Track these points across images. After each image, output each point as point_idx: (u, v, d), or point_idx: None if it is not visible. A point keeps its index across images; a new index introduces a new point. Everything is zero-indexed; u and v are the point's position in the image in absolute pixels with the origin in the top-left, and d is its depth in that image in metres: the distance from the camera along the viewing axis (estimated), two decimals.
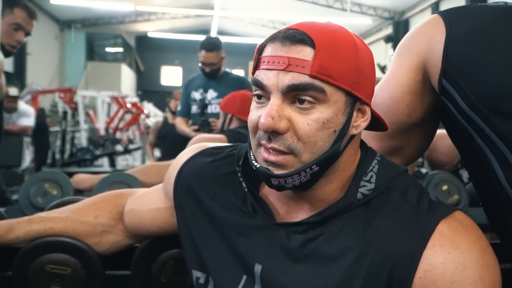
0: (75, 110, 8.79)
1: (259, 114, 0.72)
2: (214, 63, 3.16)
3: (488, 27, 0.83)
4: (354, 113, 0.74)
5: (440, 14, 0.90)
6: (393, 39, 13.53)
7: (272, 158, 0.71)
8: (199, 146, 0.96)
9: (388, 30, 15.36)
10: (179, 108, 3.43)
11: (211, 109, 3.20)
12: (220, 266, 0.82)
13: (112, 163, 7.09)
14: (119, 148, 7.99)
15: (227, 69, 3.41)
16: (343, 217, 0.75)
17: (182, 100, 3.39)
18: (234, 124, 2.33)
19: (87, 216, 1.01)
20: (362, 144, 0.82)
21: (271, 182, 0.72)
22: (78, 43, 17.85)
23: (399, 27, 14.22)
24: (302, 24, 0.73)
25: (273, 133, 0.70)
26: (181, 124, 3.33)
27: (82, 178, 1.84)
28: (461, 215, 0.74)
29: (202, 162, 0.91)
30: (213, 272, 0.82)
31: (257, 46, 0.75)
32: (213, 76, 3.22)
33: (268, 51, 0.73)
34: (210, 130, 2.93)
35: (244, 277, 0.79)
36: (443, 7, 12.20)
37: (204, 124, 2.97)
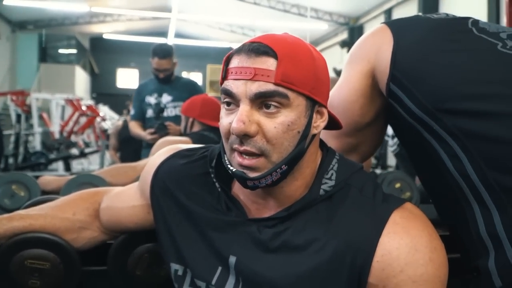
0: (28, 113, 8.58)
1: (229, 120, 0.80)
2: (167, 69, 3.29)
3: (431, 40, 0.95)
4: (314, 115, 0.83)
5: (388, 25, 1.02)
6: (348, 44, 13.88)
7: (246, 162, 0.79)
8: (173, 148, 1.03)
9: (344, 35, 15.74)
10: (132, 112, 3.51)
11: (166, 112, 3.31)
12: (197, 259, 0.89)
13: (67, 167, 6.93)
14: (74, 151, 7.86)
15: (184, 72, 3.52)
16: (308, 212, 0.84)
17: (135, 104, 3.48)
18: (196, 128, 2.40)
19: (65, 213, 1.06)
20: (323, 145, 0.92)
21: (246, 184, 0.80)
22: (31, 45, 17.37)
23: (354, 33, 14.70)
24: (264, 37, 0.81)
25: (244, 137, 0.78)
26: (135, 128, 3.42)
27: (48, 180, 1.85)
28: (410, 206, 0.84)
29: (177, 164, 0.98)
30: (190, 264, 0.90)
31: (224, 58, 0.83)
32: (167, 81, 3.34)
33: (235, 63, 0.80)
34: (166, 133, 3.03)
35: (220, 268, 0.87)
36: (395, 14, 12.63)
37: (160, 127, 3.07)
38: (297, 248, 0.82)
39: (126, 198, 1.06)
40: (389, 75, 0.95)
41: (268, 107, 0.78)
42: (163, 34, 18.57)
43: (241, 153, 0.79)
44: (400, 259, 0.77)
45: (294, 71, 0.78)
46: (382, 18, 13.12)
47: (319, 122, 0.85)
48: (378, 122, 1.09)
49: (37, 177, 1.86)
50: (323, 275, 0.79)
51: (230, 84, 0.80)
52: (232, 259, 0.85)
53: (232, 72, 0.80)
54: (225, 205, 0.90)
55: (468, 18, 1.00)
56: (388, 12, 13.02)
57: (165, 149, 1.04)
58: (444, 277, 0.78)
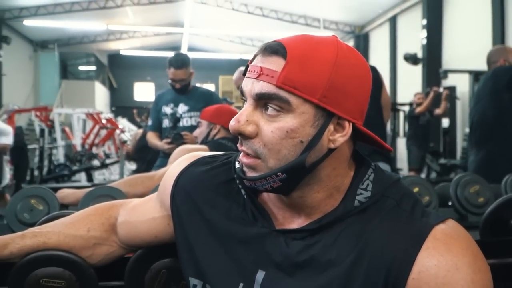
0: (51, 127, 8.62)
1: None
2: (183, 79, 3.19)
3: None
4: (331, 127, 0.72)
5: None
6: None
7: (245, 160, 0.74)
8: (193, 155, 0.94)
9: (350, 43, 15.54)
10: (149, 123, 3.44)
11: (182, 122, 3.23)
12: (218, 274, 0.81)
13: (90, 178, 7.00)
14: (95, 163, 7.88)
15: (198, 84, 3.44)
16: (341, 224, 0.75)
17: (153, 115, 3.40)
18: (220, 135, 2.35)
19: (79, 230, 0.98)
20: (358, 155, 0.81)
21: (244, 183, 0.76)
22: (52, 63, 17.49)
23: (360, 40, 14.64)
24: (288, 38, 0.74)
25: (243, 136, 0.73)
26: (152, 138, 3.33)
27: (66, 193, 1.81)
28: (453, 222, 0.74)
29: (198, 171, 0.89)
30: (210, 279, 0.81)
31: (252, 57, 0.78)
32: (183, 91, 3.25)
33: (252, 61, 0.76)
34: (183, 143, 2.93)
35: (241, 285, 0.78)
36: (400, 21, 12.50)
37: (176, 137, 2.98)
38: (327, 264, 0.73)
39: (145, 210, 0.97)
40: None
41: (267, 109, 0.72)
42: (177, 48, 18.60)
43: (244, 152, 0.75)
44: (439, 278, 0.67)
45: (300, 75, 0.69)
46: (387, 26, 12.97)
47: (338, 137, 0.73)
48: None
49: (56, 189, 1.80)
50: None
51: (243, 82, 0.76)
52: (260, 275, 0.77)
53: (248, 70, 0.76)
54: (251, 214, 0.81)
55: None
56: (393, 19, 12.83)
57: (184, 156, 0.95)
58: None
